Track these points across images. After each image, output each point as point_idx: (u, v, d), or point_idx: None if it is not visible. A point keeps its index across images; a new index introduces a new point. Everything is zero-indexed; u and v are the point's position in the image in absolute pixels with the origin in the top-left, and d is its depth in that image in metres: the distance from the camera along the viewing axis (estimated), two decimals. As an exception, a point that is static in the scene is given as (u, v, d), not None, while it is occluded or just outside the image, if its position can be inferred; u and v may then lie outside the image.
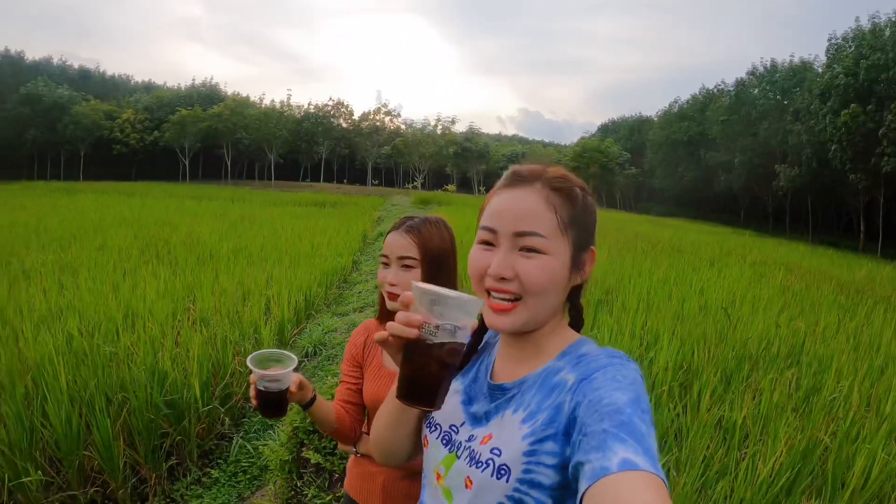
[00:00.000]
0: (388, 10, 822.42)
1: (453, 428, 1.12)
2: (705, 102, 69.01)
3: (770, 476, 3.15)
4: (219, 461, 4.15)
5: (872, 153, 36.92)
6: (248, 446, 4.19)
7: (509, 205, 1.04)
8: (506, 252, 1.02)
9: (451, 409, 1.15)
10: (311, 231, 15.94)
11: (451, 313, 0.94)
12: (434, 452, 1.13)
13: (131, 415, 3.84)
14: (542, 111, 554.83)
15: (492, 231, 1.04)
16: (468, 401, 1.14)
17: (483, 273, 1.04)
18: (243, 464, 4.05)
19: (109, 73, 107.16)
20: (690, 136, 69.10)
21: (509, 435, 1.01)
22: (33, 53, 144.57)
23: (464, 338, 0.96)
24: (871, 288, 13.82)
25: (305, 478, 3.47)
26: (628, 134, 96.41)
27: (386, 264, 1.73)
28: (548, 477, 0.94)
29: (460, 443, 1.09)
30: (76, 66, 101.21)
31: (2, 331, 4.94)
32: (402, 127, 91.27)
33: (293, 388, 1.54)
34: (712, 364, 4.93)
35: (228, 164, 74.89)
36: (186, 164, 73.83)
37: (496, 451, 1.00)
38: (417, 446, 1.22)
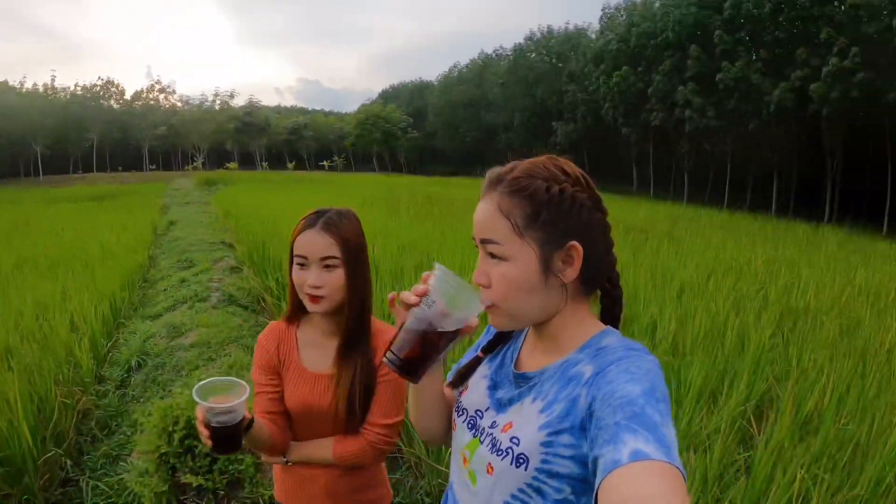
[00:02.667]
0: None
1: (478, 413, 1.14)
2: (484, 67, 72.25)
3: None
4: (74, 511, 3.66)
5: (642, 110, 42.22)
6: (102, 486, 3.74)
7: (476, 214, 1.07)
8: (482, 259, 1.06)
9: (477, 394, 1.18)
10: (96, 229, 14.47)
11: (457, 301, 1.01)
12: (460, 436, 1.17)
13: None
14: (321, 80, 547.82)
15: (474, 240, 1.07)
16: (494, 386, 1.16)
17: None
18: (102, 507, 3.60)
19: None
20: (470, 98, 71.81)
21: (527, 424, 1.02)
22: None
23: (454, 325, 1.01)
24: (652, 227, 15.40)
25: (187, 503, 3.21)
26: (409, 99, 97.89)
27: (302, 265, 1.60)
28: (566, 468, 0.95)
29: (484, 428, 1.11)
30: None
31: None
32: (179, 104, 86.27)
33: (248, 417, 1.43)
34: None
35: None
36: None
37: (515, 440, 1.02)
38: (449, 428, 1.27)
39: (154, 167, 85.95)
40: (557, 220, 1.01)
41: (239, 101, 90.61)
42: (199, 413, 1.35)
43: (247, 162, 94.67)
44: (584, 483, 0.95)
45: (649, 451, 0.75)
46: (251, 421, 1.48)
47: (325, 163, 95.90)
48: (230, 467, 3.30)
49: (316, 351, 1.73)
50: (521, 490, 1.01)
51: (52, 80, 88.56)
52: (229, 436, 1.37)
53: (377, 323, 1.74)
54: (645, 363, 0.94)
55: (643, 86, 41.74)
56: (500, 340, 1.24)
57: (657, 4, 43.59)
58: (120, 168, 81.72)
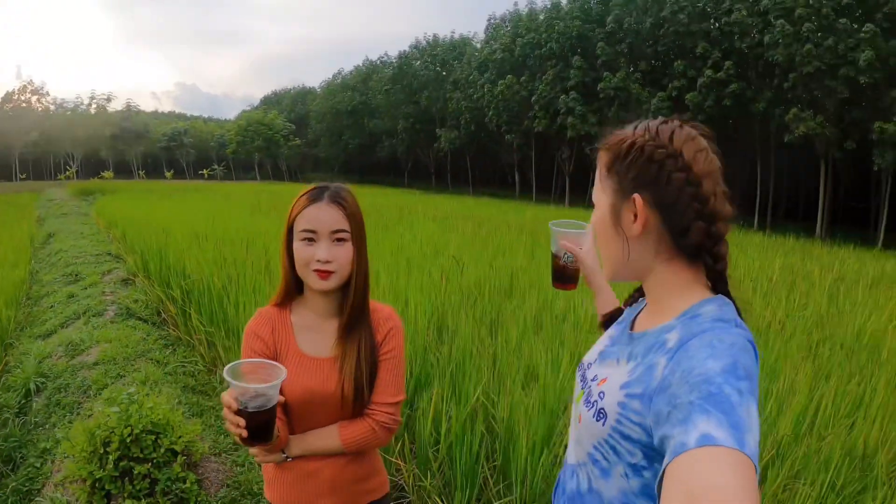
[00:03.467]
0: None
1: (588, 366, 1.19)
2: (368, 73, 71.77)
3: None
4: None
5: (525, 116, 44.07)
6: None
7: None
8: None
9: (595, 349, 1.22)
10: (-35, 244, 13.35)
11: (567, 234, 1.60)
12: (576, 387, 1.22)
13: None
14: (199, 84, 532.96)
15: None
16: (611, 344, 1.17)
17: None
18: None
19: None
20: (354, 105, 71.50)
21: (614, 381, 1.03)
22: None
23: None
24: (538, 227, 16.02)
25: None
26: (291, 105, 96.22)
27: (311, 240, 1.54)
28: (635, 433, 0.95)
29: (588, 381, 1.14)
30: None
31: None
32: (52, 108, 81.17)
33: (282, 401, 1.36)
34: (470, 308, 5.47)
35: None
36: None
37: (601, 395, 1.04)
38: None
39: (24, 176, 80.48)
40: (627, 171, 1.04)
41: (116, 106, 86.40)
42: (231, 399, 1.26)
43: (122, 171, 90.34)
44: (654, 450, 0.93)
45: (719, 437, 0.71)
46: None
47: (204, 171, 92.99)
48: (174, 487, 3.11)
49: (313, 335, 1.65)
50: (600, 444, 1.03)
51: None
52: (266, 422, 1.28)
53: (371, 301, 1.70)
54: (730, 336, 0.89)
55: (527, 94, 43.59)
56: (637, 297, 1.27)
57: (542, 17, 45.58)
58: (-14, 177, 75.64)
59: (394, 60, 66.81)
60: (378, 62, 72.02)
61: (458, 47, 60.68)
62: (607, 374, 1.08)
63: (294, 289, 1.65)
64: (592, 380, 1.12)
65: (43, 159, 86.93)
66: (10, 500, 3.62)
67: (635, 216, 1.03)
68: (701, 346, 0.88)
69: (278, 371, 1.31)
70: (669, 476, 0.72)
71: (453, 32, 73.84)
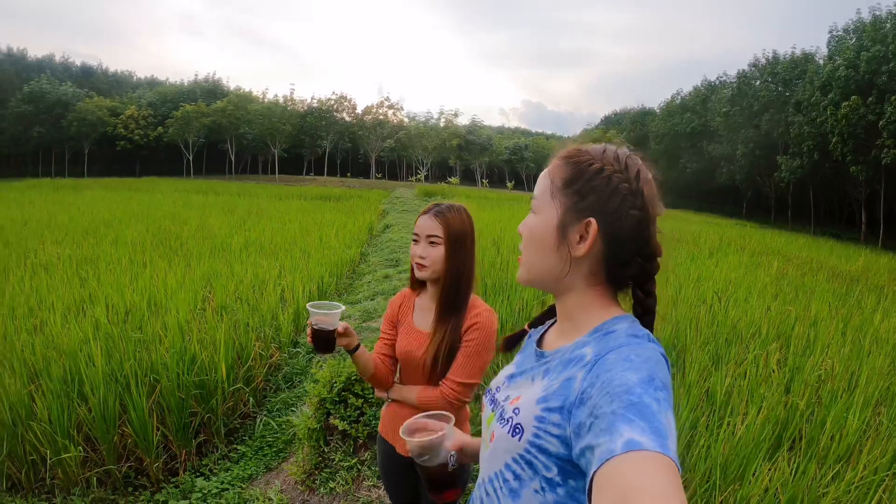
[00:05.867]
0: (391, 1, 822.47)
1: (498, 388, 1.23)
2: (707, 94, 68.57)
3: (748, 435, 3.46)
4: (244, 437, 4.39)
5: (873, 145, 36.89)
6: (273, 423, 4.46)
7: None
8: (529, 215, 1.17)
9: (502, 375, 1.27)
10: (319, 224, 16.31)
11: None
12: (485, 413, 1.24)
13: (162, 395, 4.07)
14: (545, 102, 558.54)
15: None
16: (519, 367, 1.22)
17: None
18: (268, 439, 4.30)
19: (112, 69, 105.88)
20: (693, 127, 68.58)
21: (529, 397, 1.05)
22: (35, 51, 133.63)
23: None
24: (865, 277, 14.12)
25: (332, 444, 3.77)
26: (631, 125, 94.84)
27: (416, 241, 2.08)
28: (553, 446, 0.97)
29: (499, 402, 1.17)
30: (78, 62, 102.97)
31: (29, 321, 5.20)
32: (405, 120, 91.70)
33: (339, 330, 1.90)
34: (702, 343, 5.26)
35: (232, 158, 75.30)
36: (191, 159, 73.89)
37: (516, 411, 1.06)
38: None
39: (380, 175, 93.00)
40: (586, 194, 1.05)
41: (462, 121, 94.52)
42: (309, 321, 1.85)
43: (467, 178, 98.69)
44: (569, 464, 0.96)
45: (643, 441, 0.75)
46: (358, 345, 1.99)
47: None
48: (373, 421, 3.79)
49: (425, 313, 2.18)
50: (514, 460, 1.04)
51: (291, 93, 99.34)
52: (323, 338, 1.87)
53: (476, 299, 2.13)
54: (646, 351, 0.94)
55: (874, 118, 36.39)
56: (543, 319, 1.31)
57: (888, 25, 37.80)
58: (348, 174, 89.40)
59: (733, 80, 62.68)
60: (717, 82, 68.42)
61: (800, 65, 53.52)
62: (520, 392, 1.11)
63: (416, 279, 2.20)
64: (504, 400, 1.15)
65: (397, 162, 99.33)
66: (276, 407, 4.80)
67: (581, 237, 1.05)
68: (618, 359, 0.92)
69: (337, 308, 1.87)
70: (599, 482, 0.75)
71: (794, 48, 66.59)
